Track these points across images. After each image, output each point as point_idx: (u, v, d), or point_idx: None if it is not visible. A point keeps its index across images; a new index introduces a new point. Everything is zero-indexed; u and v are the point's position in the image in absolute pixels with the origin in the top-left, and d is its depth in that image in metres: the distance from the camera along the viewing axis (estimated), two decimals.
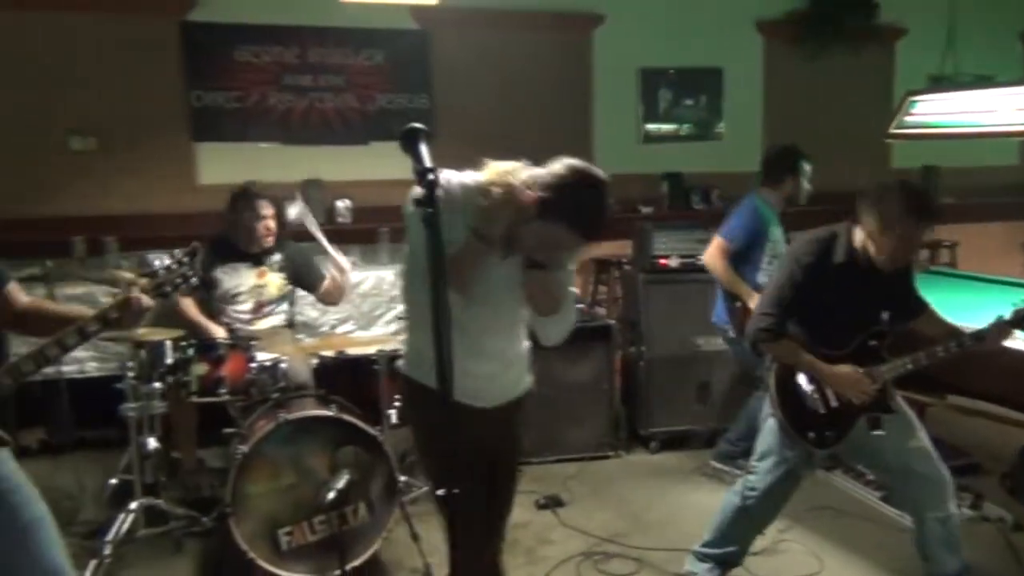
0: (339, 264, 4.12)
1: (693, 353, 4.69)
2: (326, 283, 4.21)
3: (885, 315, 2.93)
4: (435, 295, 1.41)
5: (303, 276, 4.27)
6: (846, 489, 4.17)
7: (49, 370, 4.33)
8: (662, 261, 4.75)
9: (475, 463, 2.25)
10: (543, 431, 4.34)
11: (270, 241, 4.18)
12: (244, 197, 4.16)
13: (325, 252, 4.10)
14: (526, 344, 2.41)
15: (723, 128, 6.74)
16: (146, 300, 2.13)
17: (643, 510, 3.97)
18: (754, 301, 4.05)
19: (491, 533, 2.45)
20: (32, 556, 2.05)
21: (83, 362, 4.54)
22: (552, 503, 3.99)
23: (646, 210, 6.33)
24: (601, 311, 5.63)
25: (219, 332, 4.02)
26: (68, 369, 4.42)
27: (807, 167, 4.29)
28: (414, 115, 5.82)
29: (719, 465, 4.36)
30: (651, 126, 6.69)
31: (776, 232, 4.25)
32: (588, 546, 3.60)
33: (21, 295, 2.21)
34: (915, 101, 4.96)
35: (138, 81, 5.44)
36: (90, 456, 4.47)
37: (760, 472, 3.00)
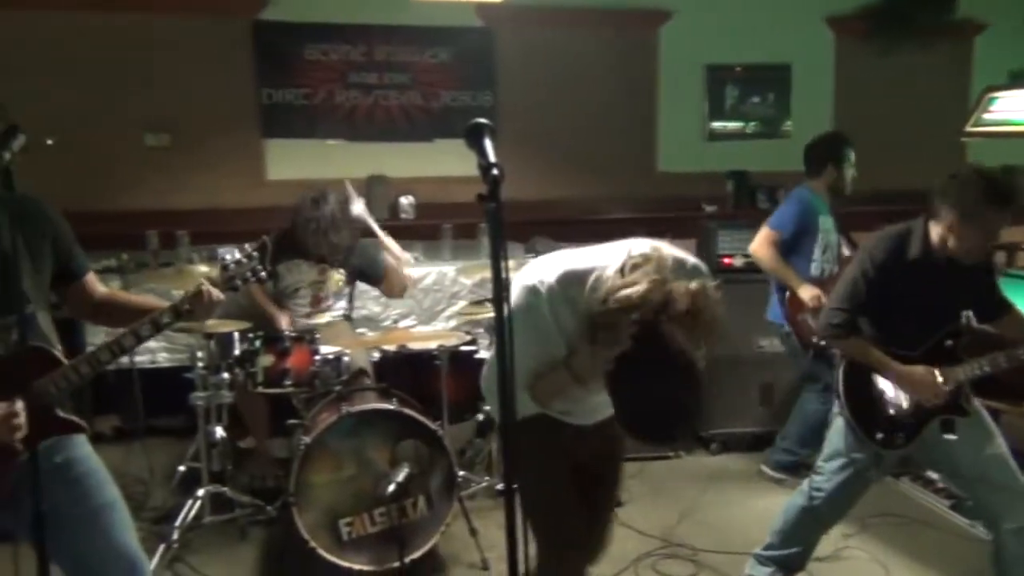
0: (395, 253, 4.24)
1: (756, 354, 4.62)
2: (392, 275, 4.35)
3: (965, 314, 2.84)
4: (497, 306, 1.37)
5: (367, 272, 4.35)
6: (914, 496, 4.07)
7: (122, 360, 4.48)
8: (726, 260, 4.69)
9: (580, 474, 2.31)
10: None
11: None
12: (314, 206, 4.19)
13: (385, 247, 4.22)
14: None
15: (791, 126, 6.60)
16: (216, 293, 2.17)
17: (702, 512, 3.93)
18: (804, 289, 4.02)
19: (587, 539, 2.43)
20: (104, 538, 2.11)
21: (155, 352, 4.68)
22: None
23: (710, 209, 6.24)
24: None
25: (284, 320, 4.11)
26: (141, 359, 4.56)
27: (852, 155, 4.16)
28: (478, 112, 5.82)
29: (774, 474, 4.30)
30: (717, 124, 6.59)
31: (827, 222, 4.17)
32: (646, 546, 3.58)
33: (99, 286, 2.28)
34: (995, 98, 4.80)
35: (211, 79, 5.58)
36: (161, 443, 4.60)
37: (827, 473, 2.93)
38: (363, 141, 5.92)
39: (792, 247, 4.14)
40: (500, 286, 1.31)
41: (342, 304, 4.36)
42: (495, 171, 1.33)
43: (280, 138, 5.79)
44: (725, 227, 4.81)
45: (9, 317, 1.95)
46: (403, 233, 5.71)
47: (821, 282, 4.07)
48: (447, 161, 5.75)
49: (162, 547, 3.36)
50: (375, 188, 5.81)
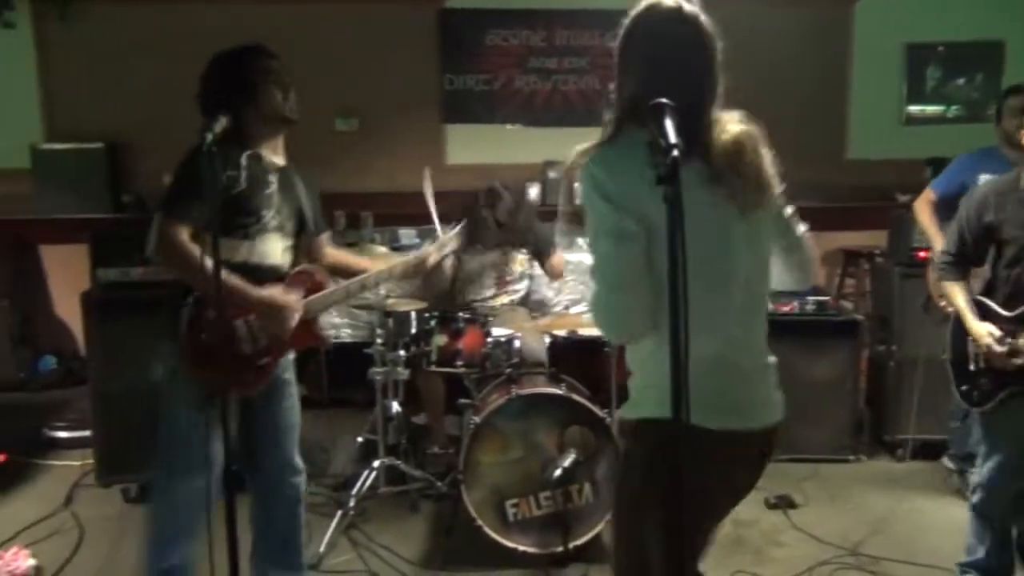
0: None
1: None
2: (555, 257, 4.43)
3: None
4: (673, 291, 1.29)
5: (540, 249, 4.41)
6: None
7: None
8: (921, 254, 4.35)
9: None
10: None
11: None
12: (487, 195, 4.36)
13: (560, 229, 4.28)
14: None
15: None
16: (431, 260, 2.77)
17: (885, 520, 3.68)
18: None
19: None
20: (287, 452, 2.66)
21: (339, 328, 4.92)
22: (784, 503, 3.80)
23: (904, 198, 5.83)
24: (848, 305, 5.28)
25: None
26: (326, 334, 4.81)
27: (1014, 103, 3.88)
28: None
29: (950, 464, 4.09)
30: (915, 107, 6.15)
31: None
32: (823, 553, 3.39)
33: (329, 246, 2.82)
34: None
35: (398, 66, 5.78)
36: (343, 414, 4.84)
37: (981, 468, 2.80)
38: (540, 126, 5.95)
39: (954, 208, 3.95)
40: (677, 272, 1.26)
41: (524, 285, 4.44)
42: (675, 152, 1.27)
43: (459, 123, 5.93)
44: None
45: (294, 240, 2.60)
46: (577, 219, 5.71)
47: None
48: None
49: (339, 513, 3.52)
50: (550, 174, 5.83)
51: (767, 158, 1.73)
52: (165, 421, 2.43)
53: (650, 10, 1.80)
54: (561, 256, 4.51)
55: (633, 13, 1.81)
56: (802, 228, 1.87)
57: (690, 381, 1.32)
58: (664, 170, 1.27)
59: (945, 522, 3.64)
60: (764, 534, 3.56)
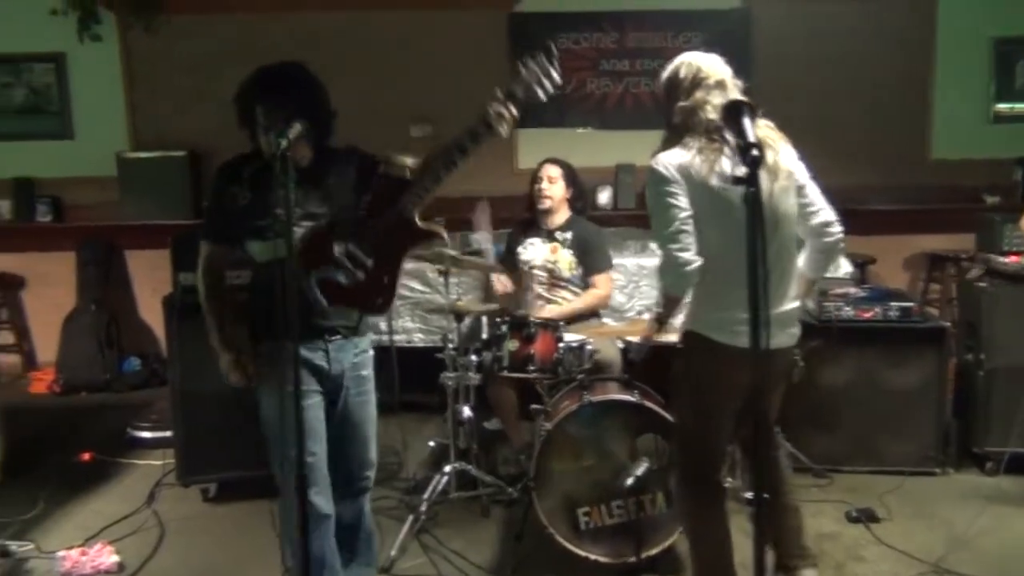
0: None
1: None
2: (598, 278, 4.30)
3: None
4: (752, 296, 1.29)
5: (587, 258, 4.31)
6: None
7: (383, 338, 4.80)
8: (1011, 258, 4.17)
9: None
10: (858, 437, 4.02)
11: (549, 204, 4.33)
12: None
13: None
14: None
15: None
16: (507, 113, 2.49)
17: (974, 537, 3.51)
18: None
19: None
20: (363, 445, 2.73)
21: (411, 332, 4.95)
22: (865, 517, 3.66)
23: (992, 200, 5.62)
24: (933, 312, 5.09)
25: (499, 284, 4.26)
26: (398, 338, 4.85)
27: None
28: None
29: None
30: (1003, 105, 5.90)
31: None
32: (908, 569, 3.26)
33: None
34: None
35: (469, 71, 5.80)
36: (414, 418, 4.86)
37: None
38: (612, 129, 5.91)
39: None
40: (756, 275, 1.22)
41: (577, 291, 4.35)
42: (755, 151, 1.23)
43: (531, 127, 5.91)
44: (1010, 220, 4.27)
45: None
46: (646, 223, 5.63)
47: None
48: None
49: (411, 518, 3.53)
50: (622, 177, 5.78)
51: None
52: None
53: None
54: (607, 277, 4.35)
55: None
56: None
57: None
58: (744, 170, 1.24)
59: None
60: (845, 548, 3.44)
